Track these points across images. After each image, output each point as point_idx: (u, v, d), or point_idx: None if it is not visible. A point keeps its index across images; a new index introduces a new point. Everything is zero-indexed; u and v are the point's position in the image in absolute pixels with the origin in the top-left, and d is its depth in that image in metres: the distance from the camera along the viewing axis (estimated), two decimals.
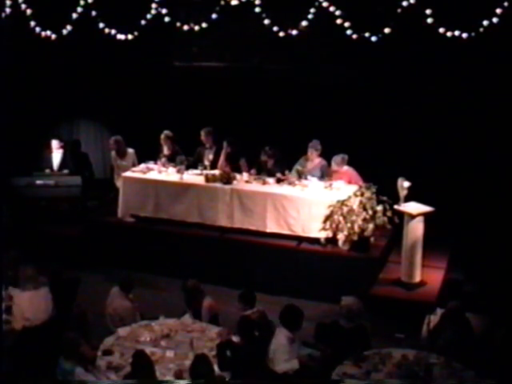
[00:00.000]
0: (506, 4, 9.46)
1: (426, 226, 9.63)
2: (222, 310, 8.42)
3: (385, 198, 9.74)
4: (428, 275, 9.91)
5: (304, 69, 11.47)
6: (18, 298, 7.98)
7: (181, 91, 12.27)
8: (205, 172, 10.95)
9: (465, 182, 10.60)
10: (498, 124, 10.50)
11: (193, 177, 10.96)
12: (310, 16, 10.29)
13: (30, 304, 7.99)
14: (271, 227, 10.38)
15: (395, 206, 9.70)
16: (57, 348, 7.15)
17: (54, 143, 11.98)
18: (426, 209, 9.62)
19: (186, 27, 11.02)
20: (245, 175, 10.82)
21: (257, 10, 10.50)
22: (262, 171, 10.95)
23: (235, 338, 7.31)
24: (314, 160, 10.88)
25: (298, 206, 10.25)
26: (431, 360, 7.18)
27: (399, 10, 9.86)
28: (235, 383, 7.04)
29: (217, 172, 10.91)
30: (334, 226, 9.84)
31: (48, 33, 11.57)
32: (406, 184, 9.58)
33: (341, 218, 9.77)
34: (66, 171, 11.87)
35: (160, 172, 11.18)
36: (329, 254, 10.06)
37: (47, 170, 11.87)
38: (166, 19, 11.04)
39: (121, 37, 11.31)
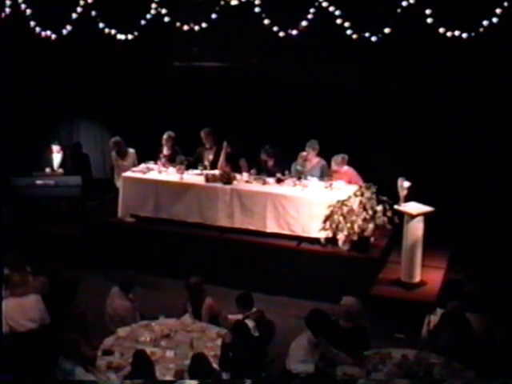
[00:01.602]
0: (505, 4, 9.46)
1: (426, 226, 9.63)
2: (222, 310, 8.40)
3: (385, 198, 9.74)
4: (428, 275, 9.90)
5: (304, 69, 11.46)
6: (4, 303, 7.83)
7: (181, 91, 12.27)
8: (205, 172, 10.96)
9: (465, 182, 10.60)
10: (498, 124, 10.50)
11: (193, 177, 10.96)
12: (309, 16, 10.29)
13: (13, 311, 7.84)
14: (271, 227, 10.38)
15: (395, 206, 9.70)
16: (48, 355, 7.13)
17: (55, 148, 11.98)
18: (426, 209, 9.62)
19: (185, 27, 11.02)
20: (245, 175, 10.82)
21: (257, 10, 10.51)
22: (261, 171, 10.95)
23: None
24: (312, 160, 10.88)
25: (297, 206, 10.25)
26: (431, 360, 7.19)
27: (399, 10, 9.86)
28: (235, 383, 7.04)
29: (217, 172, 10.91)
30: (333, 226, 9.84)
31: (48, 33, 11.57)
32: (406, 184, 9.58)
33: (341, 218, 9.76)
34: (61, 170, 11.87)
35: (160, 172, 11.18)
36: (329, 254, 10.06)
37: (47, 170, 11.88)
38: (166, 19, 11.04)
39: (121, 37, 11.31)
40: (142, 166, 11.40)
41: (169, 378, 6.94)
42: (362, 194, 9.87)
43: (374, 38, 10.03)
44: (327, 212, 9.86)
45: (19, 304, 7.92)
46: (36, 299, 8.00)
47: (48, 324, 7.96)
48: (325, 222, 9.88)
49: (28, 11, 11.55)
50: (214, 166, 11.21)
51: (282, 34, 10.50)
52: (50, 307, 8.10)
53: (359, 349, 7.36)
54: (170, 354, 7.36)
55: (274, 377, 7.42)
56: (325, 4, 10.17)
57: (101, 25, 11.30)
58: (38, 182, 11.51)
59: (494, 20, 9.52)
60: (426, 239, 9.66)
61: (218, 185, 10.65)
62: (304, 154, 10.82)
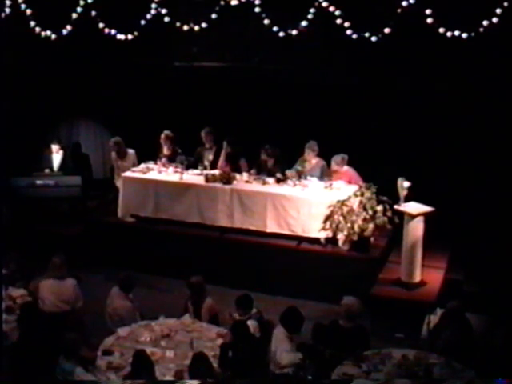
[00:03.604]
0: (506, 4, 9.47)
1: (426, 226, 9.62)
2: (222, 310, 8.41)
3: (385, 198, 9.73)
4: (428, 275, 9.89)
5: (304, 69, 11.47)
6: (41, 285, 8.43)
7: (181, 91, 12.26)
8: (205, 172, 10.96)
9: (465, 182, 10.60)
10: (497, 124, 10.50)
11: (193, 177, 10.96)
12: (309, 16, 10.31)
13: (48, 292, 8.35)
14: (271, 227, 10.38)
15: (395, 206, 9.69)
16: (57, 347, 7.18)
17: (54, 147, 11.97)
18: (426, 209, 9.61)
19: (185, 27, 11.04)
20: (245, 175, 10.82)
21: (257, 10, 10.52)
22: (261, 171, 10.95)
23: None
24: (312, 160, 10.88)
25: (298, 206, 10.25)
26: (431, 360, 7.19)
27: (399, 10, 9.87)
28: (235, 383, 7.05)
29: (217, 172, 10.91)
30: (333, 226, 9.84)
31: (48, 33, 11.58)
32: (406, 184, 9.57)
33: (341, 218, 9.77)
34: (60, 173, 11.87)
35: (160, 172, 11.18)
36: (329, 254, 10.06)
37: (47, 171, 11.87)
38: (166, 19, 11.05)
39: (121, 37, 11.32)
40: (142, 165, 11.40)
41: (169, 378, 6.94)
42: (362, 194, 9.87)
43: (373, 38, 10.05)
44: (327, 212, 9.86)
45: (56, 286, 8.44)
46: (73, 283, 8.47)
47: (80, 307, 8.47)
48: (325, 222, 9.89)
49: (28, 11, 11.56)
50: (213, 166, 11.21)
51: (281, 33, 10.51)
52: None
53: (359, 349, 7.36)
54: (169, 354, 7.36)
55: (273, 377, 7.42)
56: (325, 4, 10.19)
57: (101, 25, 11.31)
58: (38, 182, 11.51)
59: (494, 20, 9.53)
60: (426, 239, 9.66)
61: (218, 185, 10.65)
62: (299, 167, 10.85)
